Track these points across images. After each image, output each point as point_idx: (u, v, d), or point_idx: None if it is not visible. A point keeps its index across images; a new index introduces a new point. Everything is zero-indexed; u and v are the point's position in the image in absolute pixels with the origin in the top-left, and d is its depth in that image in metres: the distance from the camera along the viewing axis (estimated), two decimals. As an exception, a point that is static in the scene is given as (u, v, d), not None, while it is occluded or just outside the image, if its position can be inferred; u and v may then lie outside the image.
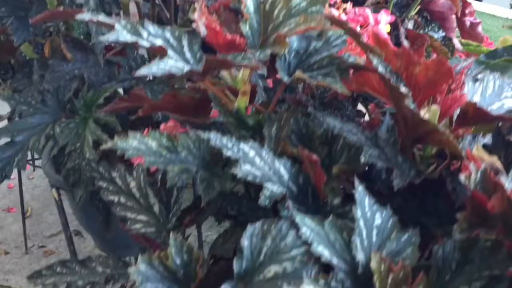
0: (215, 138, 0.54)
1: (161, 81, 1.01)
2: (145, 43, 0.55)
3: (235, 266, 0.49)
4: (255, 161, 0.56)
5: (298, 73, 0.59)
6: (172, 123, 0.84)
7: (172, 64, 0.55)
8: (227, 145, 0.55)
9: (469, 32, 1.38)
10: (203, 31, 0.58)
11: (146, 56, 1.02)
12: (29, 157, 2.26)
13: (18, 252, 2.16)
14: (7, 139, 1.00)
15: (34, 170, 2.58)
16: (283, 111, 0.62)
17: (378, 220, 0.52)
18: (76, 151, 0.89)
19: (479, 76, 0.70)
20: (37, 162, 2.49)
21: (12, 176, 2.75)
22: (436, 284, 0.50)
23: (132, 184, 0.73)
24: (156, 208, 0.70)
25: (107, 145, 0.58)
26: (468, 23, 1.38)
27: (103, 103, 0.91)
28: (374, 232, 0.51)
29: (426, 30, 1.27)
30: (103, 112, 0.89)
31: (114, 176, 0.74)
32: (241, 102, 0.63)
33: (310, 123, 0.65)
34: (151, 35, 0.57)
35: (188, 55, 0.57)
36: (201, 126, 0.83)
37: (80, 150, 0.89)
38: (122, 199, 0.73)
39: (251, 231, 0.50)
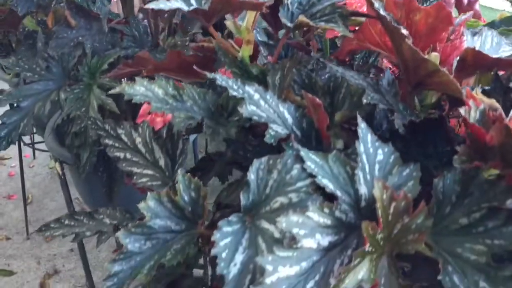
0: (221, 78, 0.56)
1: (163, 50, 1.02)
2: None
3: (242, 199, 0.51)
4: (260, 104, 0.57)
5: (301, 18, 0.60)
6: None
7: (179, 3, 0.56)
8: (233, 86, 0.56)
9: (466, 9, 1.40)
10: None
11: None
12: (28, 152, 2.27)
13: (20, 238, 2.17)
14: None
15: (34, 158, 2.59)
16: (286, 60, 0.63)
17: (380, 156, 0.53)
18: (81, 115, 0.91)
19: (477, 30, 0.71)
20: (38, 152, 2.50)
21: (12, 164, 2.76)
22: (436, 216, 0.52)
23: (138, 140, 0.74)
24: (161, 162, 0.72)
25: (115, 90, 0.59)
26: (465, 1, 1.39)
27: (107, 69, 0.92)
28: (376, 167, 0.53)
29: (424, 5, 1.29)
30: (107, 77, 0.91)
31: (120, 133, 0.76)
32: (245, 51, 0.64)
33: (312, 74, 0.67)
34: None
35: None
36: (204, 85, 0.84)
37: (85, 114, 0.90)
38: (128, 155, 0.74)
39: (257, 165, 0.52)
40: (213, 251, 0.46)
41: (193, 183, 0.54)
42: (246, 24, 0.62)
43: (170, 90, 0.63)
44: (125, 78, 0.80)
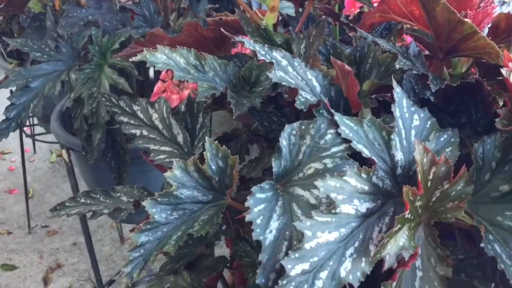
0: (248, 43, 0.54)
1: (174, 31, 1.00)
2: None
3: (274, 165, 0.48)
4: (288, 70, 0.55)
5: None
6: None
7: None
8: (260, 51, 0.54)
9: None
10: None
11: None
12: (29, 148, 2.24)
13: (21, 232, 2.15)
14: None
15: (34, 152, 2.56)
16: (311, 29, 0.61)
17: (416, 121, 0.51)
18: (93, 95, 0.88)
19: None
20: (38, 146, 2.47)
21: (12, 158, 2.73)
22: (476, 183, 0.50)
23: (155, 116, 0.72)
24: (180, 138, 0.69)
25: (137, 57, 0.56)
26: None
27: (118, 48, 0.89)
28: (413, 132, 0.51)
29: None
30: (118, 56, 0.88)
31: (136, 110, 0.73)
32: (270, 19, 0.62)
33: (337, 44, 0.64)
34: None
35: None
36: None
37: (96, 94, 0.88)
38: (145, 132, 0.72)
39: (289, 131, 0.49)
40: (248, 217, 0.43)
41: (221, 151, 0.51)
42: (271, -11, 0.60)
43: (192, 60, 0.61)
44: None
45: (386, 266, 0.43)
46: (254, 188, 0.45)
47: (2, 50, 1.66)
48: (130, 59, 0.56)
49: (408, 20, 0.68)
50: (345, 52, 0.64)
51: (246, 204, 0.44)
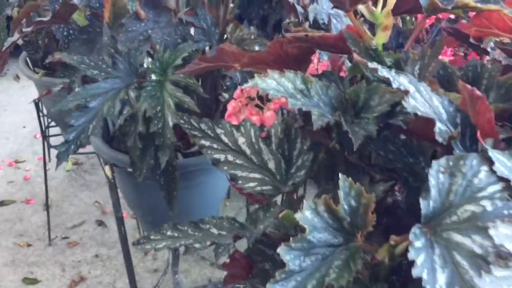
0: (382, 69, 0.49)
1: (233, 44, 0.95)
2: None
3: (423, 207, 0.44)
4: (416, 96, 0.50)
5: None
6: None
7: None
8: (389, 77, 0.49)
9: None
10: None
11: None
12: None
13: (41, 244, 2.09)
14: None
15: (49, 160, 2.49)
16: (425, 47, 0.56)
17: None
18: (157, 115, 0.83)
19: None
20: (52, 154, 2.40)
21: (26, 167, 2.67)
22: None
23: (241, 140, 0.67)
24: (271, 164, 0.64)
25: (249, 84, 0.52)
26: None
27: (181, 64, 0.84)
28: None
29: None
30: (181, 73, 0.83)
31: (219, 133, 0.68)
32: (381, 38, 0.57)
33: (448, 64, 0.60)
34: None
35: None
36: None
37: (162, 114, 0.82)
38: (230, 157, 0.67)
39: (436, 168, 0.45)
40: (415, 272, 0.39)
41: (353, 189, 0.47)
42: (387, 7, 0.55)
43: (299, 84, 0.56)
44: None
45: None
46: (411, 237, 0.41)
47: (28, 60, 1.60)
48: (243, 86, 0.51)
49: (517, 36, 0.63)
50: (457, 73, 0.59)
51: (410, 256, 0.39)
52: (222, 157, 0.67)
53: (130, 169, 1.04)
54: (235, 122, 0.75)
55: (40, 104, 1.80)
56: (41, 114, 1.78)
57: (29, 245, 2.07)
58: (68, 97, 0.83)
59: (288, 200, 0.66)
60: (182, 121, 0.70)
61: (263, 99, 0.78)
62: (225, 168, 0.66)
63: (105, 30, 0.87)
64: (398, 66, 0.57)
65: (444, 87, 0.59)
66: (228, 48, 0.78)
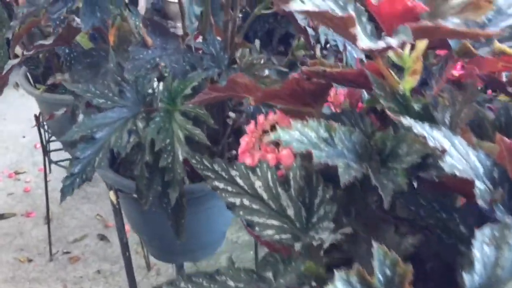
0: (416, 125, 0.45)
1: (243, 69, 0.91)
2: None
3: (467, 281, 0.40)
4: (452, 153, 0.47)
5: (497, 44, 0.49)
6: (279, 114, 0.75)
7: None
8: (423, 132, 0.45)
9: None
10: (374, -1, 0.49)
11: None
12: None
13: (42, 260, 2.05)
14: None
15: (50, 171, 2.45)
16: (456, 93, 0.53)
17: None
18: (167, 148, 0.79)
19: None
20: (53, 165, 2.35)
21: (27, 179, 2.62)
22: None
23: (258, 184, 0.63)
24: (290, 211, 0.61)
25: (270, 137, 0.48)
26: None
27: (191, 93, 0.80)
28: None
29: None
30: (191, 103, 0.79)
31: (234, 175, 0.65)
32: (409, 83, 0.53)
33: (480, 108, 0.56)
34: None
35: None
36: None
37: (171, 147, 0.79)
38: (246, 201, 0.63)
39: (481, 239, 0.41)
40: None
41: (388, 258, 0.43)
42: (417, 51, 0.52)
43: (322, 132, 0.52)
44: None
45: None
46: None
47: (29, 75, 1.56)
48: (264, 140, 0.47)
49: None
50: (489, 118, 0.55)
51: None
52: (237, 201, 0.63)
53: (135, 195, 1.00)
54: (249, 160, 0.72)
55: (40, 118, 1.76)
56: (42, 129, 1.74)
57: (30, 260, 2.04)
58: (73, 128, 0.79)
59: (307, 247, 0.62)
60: (194, 161, 0.66)
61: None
62: (241, 213, 0.63)
63: (111, 57, 0.84)
64: (427, 112, 0.53)
65: (476, 133, 0.55)
66: (240, 80, 0.74)
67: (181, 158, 0.79)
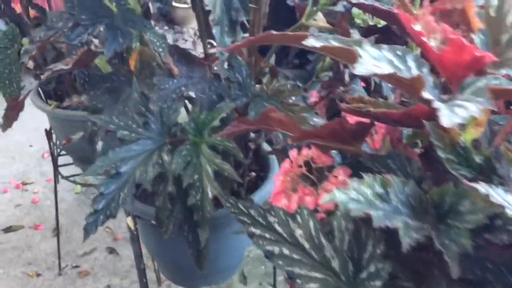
0: (493, 194, 0.41)
1: (270, 97, 0.87)
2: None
3: None
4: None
5: None
6: (314, 150, 0.71)
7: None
8: (495, 196, 0.42)
9: None
10: (435, 46, 0.45)
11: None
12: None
13: (51, 274, 2.02)
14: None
15: (58, 182, 2.41)
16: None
17: None
18: (195, 184, 0.75)
19: None
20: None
21: (34, 190, 2.58)
22: None
23: (298, 232, 0.59)
24: (335, 263, 0.57)
25: (326, 199, 0.44)
26: None
27: (219, 125, 0.76)
28: None
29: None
30: (219, 136, 0.76)
31: (272, 222, 0.61)
32: (471, 135, 0.50)
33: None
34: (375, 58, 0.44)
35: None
36: (353, 156, 0.70)
37: (200, 183, 0.75)
38: (286, 251, 0.59)
39: None
40: None
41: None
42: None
43: (377, 188, 0.48)
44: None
45: None
46: None
47: (40, 91, 1.53)
48: (321, 201, 0.43)
49: None
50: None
51: None
52: (276, 249, 0.60)
53: (154, 222, 0.97)
54: (285, 202, 0.68)
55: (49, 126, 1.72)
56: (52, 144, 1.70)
57: (38, 275, 2.01)
58: (97, 162, 0.75)
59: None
60: (228, 204, 0.63)
61: (311, 167, 0.71)
62: (280, 263, 0.59)
63: (134, 86, 0.80)
64: (489, 165, 0.50)
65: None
66: (275, 115, 0.70)
67: (210, 195, 0.75)
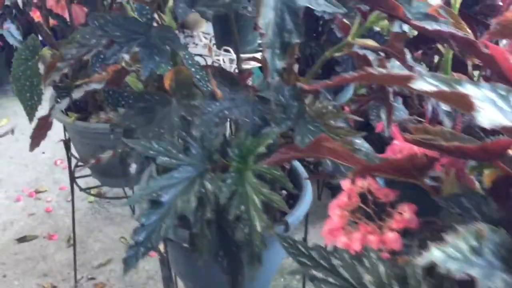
0: None
1: (314, 120, 0.83)
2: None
3: None
4: None
5: None
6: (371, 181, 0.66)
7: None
8: None
9: None
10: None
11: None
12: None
13: (67, 286, 1.98)
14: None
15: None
16: None
17: None
18: (242, 216, 0.70)
19: None
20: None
21: (48, 198, 2.54)
22: None
23: (366, 278, 0.55)
24: (410, 313, 0.52)
25: (424, 260, 0.39)
26: None
27: (266, 152, 0.72)
28: None
29: None
30: (266, 163, 0.71)
31: (335, 264, 0.56)
32: None
33: None
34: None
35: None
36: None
37: (247, 215, 0.70)
38: (353, 298, 0.55)
39: None
40: None
41: None
42: None
43: (472, 241, 0.44)
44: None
45: None
46: None
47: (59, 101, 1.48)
48: (417, 263, 0.38)
49: None
50: None
51: None
52: (342, 296, 0.55)
53: (186, 245, 0.92)
54: (345, 240, 0.63)
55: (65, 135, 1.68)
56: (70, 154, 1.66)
57: (54, 287, 1.96)
58: (137, 192, 0.71)
59: None
60: (285, 244, 0.58)
61: (366, 200, 0.66)
62: (348, 312, 0.54)
63: (174, 109, 0.75)
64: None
65: None
66: (329, 145, 0.66)
67: (259, 229, 0.71)
